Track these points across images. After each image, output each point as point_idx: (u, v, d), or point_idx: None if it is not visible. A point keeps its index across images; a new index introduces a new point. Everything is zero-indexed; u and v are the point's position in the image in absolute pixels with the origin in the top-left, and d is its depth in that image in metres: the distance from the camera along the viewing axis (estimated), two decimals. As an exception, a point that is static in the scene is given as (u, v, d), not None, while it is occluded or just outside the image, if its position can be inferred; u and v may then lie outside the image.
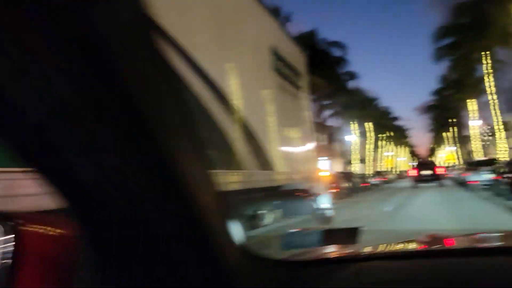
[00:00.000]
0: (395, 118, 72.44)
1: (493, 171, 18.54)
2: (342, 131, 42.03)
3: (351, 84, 42.31)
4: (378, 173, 46.71)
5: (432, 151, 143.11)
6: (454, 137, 59.50)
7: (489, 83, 30.36)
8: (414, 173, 30.75)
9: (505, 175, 13.83)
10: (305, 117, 8.98)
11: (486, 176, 18.95)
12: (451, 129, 57.67)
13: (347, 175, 29.16)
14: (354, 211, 14.46)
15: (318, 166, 9.63)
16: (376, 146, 67.24)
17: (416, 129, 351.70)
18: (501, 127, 30.40)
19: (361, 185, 33.73)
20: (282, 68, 7.84)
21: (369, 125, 55.31)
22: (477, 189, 19.75)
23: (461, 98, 42.55)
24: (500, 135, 30.27)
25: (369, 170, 57.59)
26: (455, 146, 61.94)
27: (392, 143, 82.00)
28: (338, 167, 46.90)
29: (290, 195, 7.76)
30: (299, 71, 8.61)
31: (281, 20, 22.83)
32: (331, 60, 29.38)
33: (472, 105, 39.13)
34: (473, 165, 23.35)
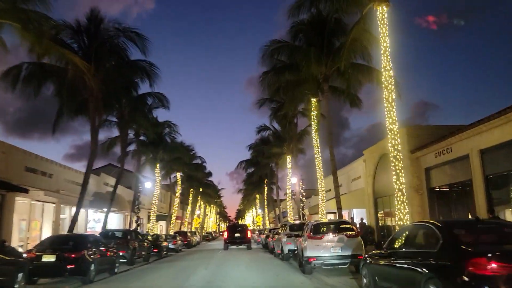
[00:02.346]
0: (209, 174, 66.39)
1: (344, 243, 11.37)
2: (139, 177, 31.66)
3: (159, 116, 33.28)
4: (181, 234, 37.44)
5: (240, 213, 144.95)
6: (265, 198, 56.19)
7: (315, 136, 25.70)
8: (225, 235, 30.90)
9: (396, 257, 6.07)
10: None
11: (334, 250, 11.59)
12: (265, 190, 54.20)
13: (125, 237, 18.80)
14: None
15: None
16: (184, 202, 58.85)
17: (226, 192, 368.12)
18: (323, 186, 25.64)
19: (153, 250, 23.89)
20: None
21: (179, 175, 46.67)
22: (322, 270, 12.32)
23: (279, 153, 38.45)
24: (323, 195, 25.35)
25: (174, 229, 48.10)
26: (264, 208, 58.71)
27: (202, 200, 75.25)
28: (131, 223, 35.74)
29: None
30: None
31: None
32: (125, 60, 19.59)
33: (288, 160, 34.97)
34: (301, 230, 17.18)
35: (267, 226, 54.34)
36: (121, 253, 17.34)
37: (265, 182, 52.31)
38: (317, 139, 25.96)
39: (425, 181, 19.80)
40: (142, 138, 33.25)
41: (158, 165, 34.23)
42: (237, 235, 29.47)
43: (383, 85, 13.58)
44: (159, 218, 46.32)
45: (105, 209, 27.96)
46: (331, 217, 32.50)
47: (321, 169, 25.69)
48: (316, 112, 25.77)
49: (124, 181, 36.40)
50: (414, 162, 20.37)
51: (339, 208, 18.26)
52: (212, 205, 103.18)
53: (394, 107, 13.42)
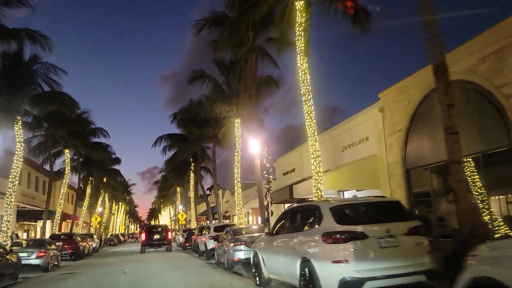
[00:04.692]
0: (117, 160, 51.12)
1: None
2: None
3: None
4: (62, 238, 23.73)
5: (153, 213, 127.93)
6: (191, 189, 43.47)
7: (301, 60, 14.91)
8: (142, 237, 28.45)
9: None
10: None
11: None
12: (191, 177, 41.42)
13: None
14: None
15: None
16: (81, 198, 43.75)
17: (138, 192, 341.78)
18: (317, 149, 15.14)
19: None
20: None
21: (67, 153, 32.03)
22: None
23: (220, 118, 26.63)
24: (318, 163, 14.66)
25: (59, 231, 33.46)
26: (190, 202, 45.97)
27: (107, 194, 59.70)
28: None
29: None
30: None
31: None
32: None
33: (237, 125, 23.25)
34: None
35: (193, 225, 41.92)
36: None
37: (192, 166, 39.77)
38: (307, 71, 14.87)
39: None
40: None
41: (20, 121, 19.97)
42: (156, 236, 27.31)
43: None
44: (32, 215, 31.48)
45: None
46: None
47: (313, 119, 14.80)
48: (305, 20, 14.89)
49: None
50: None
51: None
52: (120, 203, 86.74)
53: None
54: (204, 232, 20.19)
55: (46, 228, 37.13)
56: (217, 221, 30.41)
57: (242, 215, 24.15)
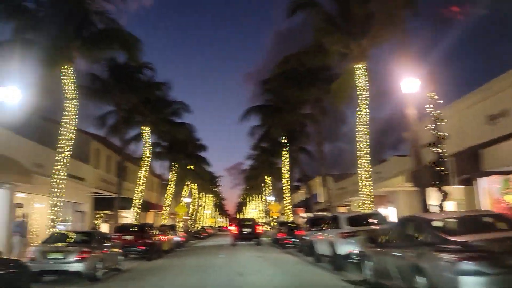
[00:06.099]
0: (202, 147, 46.59)
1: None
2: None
3: None
4: (128, 231, 18.52)
5: (240, 207, 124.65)
6: (285, 174, 36.82)
7: None
8: (234, 230, 29.77)
9: None
10: None
11: None
12: (286, 157, 34.87)
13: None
14: None
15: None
16: (165, 185, 39.80)
17: (224, 187, 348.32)
18: None
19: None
20: None
21: (146, 131, 27.36)
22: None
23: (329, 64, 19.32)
24: None
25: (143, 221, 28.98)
26: (283, 191, 39.36)
27: (194, 184, 55.82)
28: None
29: None
30: None
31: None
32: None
33: (363, 70, 15.79)
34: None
35: (288, 217, 35.34)
36: None
37: (286, 144, 32.98)
38: None
39: None
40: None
41: (68, 71, 14.82)
42: (246, 230, 28.27)
43: None
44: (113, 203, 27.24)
45: None
46: None
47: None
48: None
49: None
50: None
51: None
52: (207, 194, 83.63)
53: None
54: (324, 226, 13.08)
55: (128, 219, 33.31)
56: (321, 213, 23.30)
57: (370, 202, 16.62)
